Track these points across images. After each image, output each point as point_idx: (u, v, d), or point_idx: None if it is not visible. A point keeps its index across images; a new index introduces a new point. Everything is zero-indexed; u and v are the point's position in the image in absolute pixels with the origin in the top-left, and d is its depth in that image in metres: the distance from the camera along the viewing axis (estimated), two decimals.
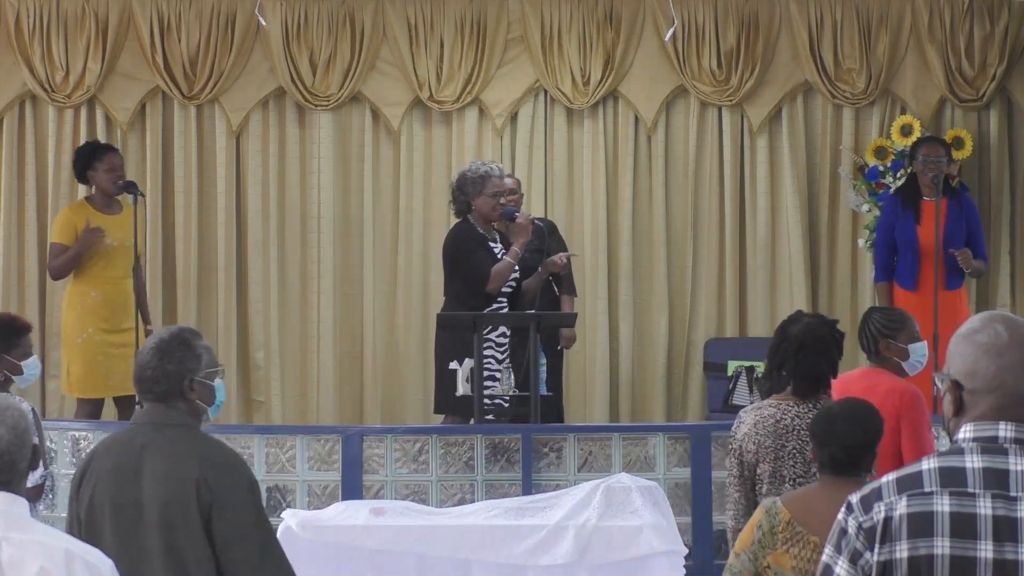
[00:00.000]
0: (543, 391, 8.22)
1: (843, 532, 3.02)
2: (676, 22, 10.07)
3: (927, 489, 2.97)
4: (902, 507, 2.97)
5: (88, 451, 5.28)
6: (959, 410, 3.06)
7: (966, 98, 10.17)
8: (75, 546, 3.29)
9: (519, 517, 6.94)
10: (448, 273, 8.57)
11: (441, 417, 8.59)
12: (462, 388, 7.97)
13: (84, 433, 7.64)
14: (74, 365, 9.06)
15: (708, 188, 10.27)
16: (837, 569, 3.01)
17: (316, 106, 10.15)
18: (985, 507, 2.95)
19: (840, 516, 3.04)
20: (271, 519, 7.34)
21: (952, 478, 2.97)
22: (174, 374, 4.40)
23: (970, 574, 2.93)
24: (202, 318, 10.13)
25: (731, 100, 10.20)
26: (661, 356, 10.20)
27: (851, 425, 4.87)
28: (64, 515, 5.06)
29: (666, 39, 10.11)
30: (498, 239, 8.55)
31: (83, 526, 4.36)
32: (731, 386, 9.66)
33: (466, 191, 8.45)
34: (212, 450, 4.39)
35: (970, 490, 2.96)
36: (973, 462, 2.98)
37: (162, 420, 4.40)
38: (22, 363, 6.48)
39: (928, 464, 3.01)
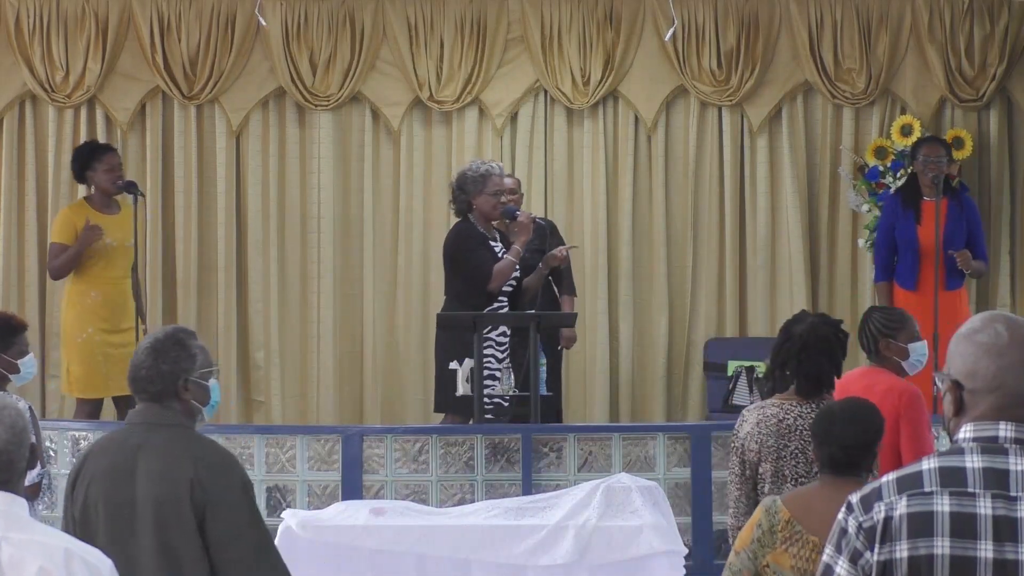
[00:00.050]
0: (543, 391, 8.23)
1: (843, 532, 3.02)
2: (676, 22, 10.07)
3: (927, 489, 2.97)
4: (902, 507, 2.97)
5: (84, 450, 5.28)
6: (959, 410, 3.06)
7: (966, 98, 10.17)
8: (75, 546, 3.29)
9: (519, 517, 6.94)
10: (449, 272, 8.57)
11: (441, 416, 8.59)
12: (462, 388, 7.97)
13: (84, 433, 7.63)
14: (74, 365, 9.06)
15: (708, 188, 10.27)
16: (838, 569, 3.01)
17: (316, 106, 10.15)
18: (985, 507, 2.95)
19: (840, 516, 3.04)
20: (271, 519, 7.39)
21: (952, 478, 2.97)
22: (169, 374, 4.40)
23: (970, 574, 2.93)
24: (202, 318, 10.14)
25: (731, 100, 10.20)
26: (661, 356, 10.20)
27: (850, 425, 4.87)
28: None
29: (666, 39, 10.11)
30: (498, 238, 8.55)
31: (78, 526, 4.36)
32: (731, 386, 9.66)
33: (467, 190, 8.45)
34: (206, 450, 4.39)
35: (970, 490, 2.96)
36: (973, 462, 2.98)
37: (156, 420, 4.40)
38: (19, 361, 6.49)
39: (928, 464, 3.00)
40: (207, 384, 4.46)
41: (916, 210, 9.26)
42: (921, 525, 2.95)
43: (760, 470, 5.54)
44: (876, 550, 2.97)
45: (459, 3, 10.15)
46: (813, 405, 5.49)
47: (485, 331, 8.16)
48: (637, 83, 10.23)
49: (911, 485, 2.98)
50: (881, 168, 9.98)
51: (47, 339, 9.98)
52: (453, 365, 8.06)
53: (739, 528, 5.26)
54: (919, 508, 2.96)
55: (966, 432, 3.03)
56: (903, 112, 10.20)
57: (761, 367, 9.15)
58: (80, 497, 4.40)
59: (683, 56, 10.15)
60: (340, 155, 10.25)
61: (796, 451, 5.48)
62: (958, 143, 9.90)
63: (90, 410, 9.02)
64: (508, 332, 8.34)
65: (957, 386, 3.06)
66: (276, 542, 6.79)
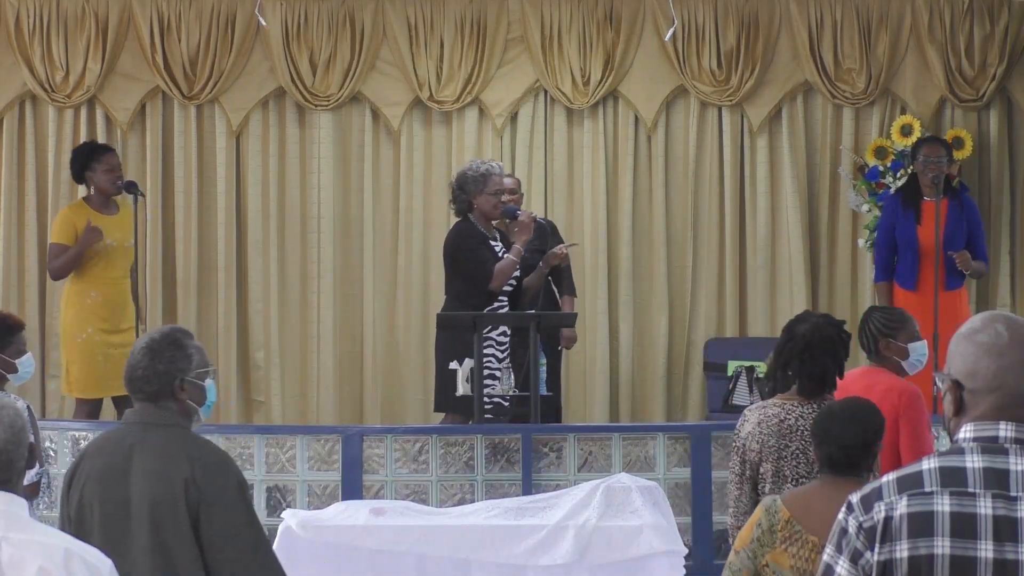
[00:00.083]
0: (543, 391, 8.23)
1: (844, 532, 3.02)
2: (676, 22, 10.06)
3: (927, 489, 2.97)
4: (902, 507, 2.97)
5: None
6: (959, 410, 3.06)
7: (966, 98, 10.17)
8: (74, 546, 3.28)
9: (519, 517, 6.94)
10: (449, 272, 8.57)
11: (441, 416, 8.59)
12: (462, 388, 7.97)
13: (84, 433, 7.63)
14: (73, 365, 9.06)
15: (708, 188, 10.27)
16: (838, 569, 3.01)
17: (316, 106, 10.15)
18: (985, 507, 2.95)
19: (840, 516, 3.04)
20: (271, 519, 7.40)
21: (952, 478, 2.97)
22: (165, 374, 4.40)
23: (970, 574, 2.93)
24: (202, 318, 10.14)
25: (731, 100, 10.20)
26: (661, 356, 10.20)
27: (850, 425, 4.87)
28: None
29: (666, 39, 10.11)
30: (498, 238, 8.55)
31: (73, 525, 4.36)
32: (731, 386, 9.66)
33: (467, 190, 8.45)
34: (201, 450, 4.39)
35: (970, 490, 2.96)
36: (973, 462, 2.98)
37: (152, 420, 4.40)
38: (16, 361, 6.49)
39: (928, 464, 3.00)
40: (203, 384, 4.46)
41: (916, 210, 9.26)
42: (921, 525, 2.95)
43: (761, 470, 5.54)
44: (876, 550, 2.97)
45: (459, 3, 10.15)
46: (815, 405, 5.48)
47: (485, 331, 8.16)
48: (637, 83, 10.23)
49: (911, 485, 2.98)
50: (881, 168, 9.98)
51: (47, 339, 9.99)
52: (453, 365, 8.06)
53: (739, 528, 5.26)
54: (919, 508, 2.96)
55: (966, 432, 3.03)
56: (903, 112, 10.20)
57: (761, 367, 9.15)
58: (76, 496, 4.40)
59: (683, 56, 10.15)
60: (340, 155, 10.25)
61: (797, 451, 5.48)
62: (958, 143, 9.90)
63: (90, 410, 9.02)
64: (508, 332, 8.35)
65: (957, 386, 3.06)
66: (276, 542, 6.84)
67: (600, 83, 10.16)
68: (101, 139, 9.97)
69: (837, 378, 5.60)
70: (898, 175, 9.87)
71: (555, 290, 9.18)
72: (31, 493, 6.37)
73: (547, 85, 10.21)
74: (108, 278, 9.05)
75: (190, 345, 4.47)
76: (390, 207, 10.27)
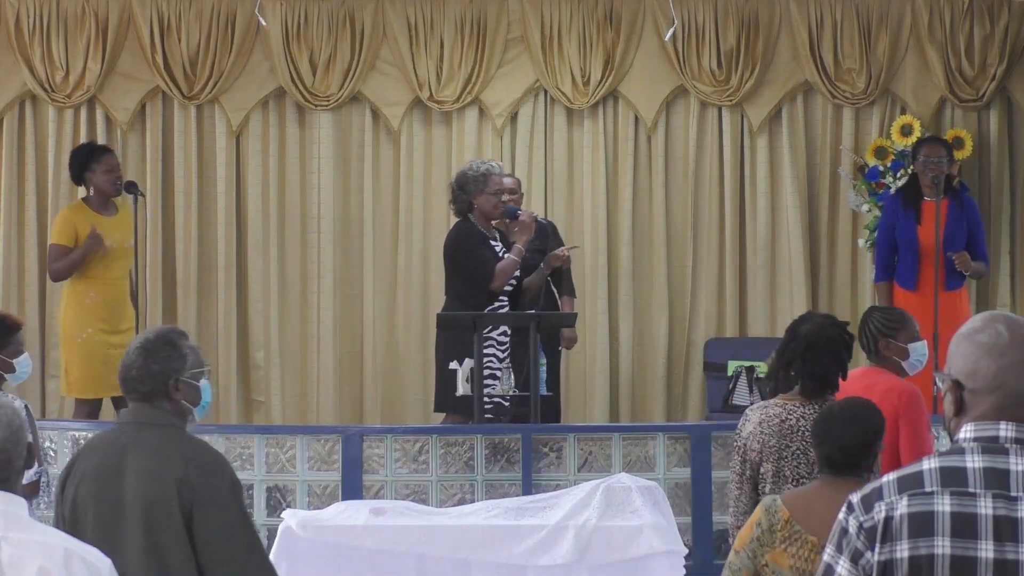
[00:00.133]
0: (543, 391, 8.22)
1: (844, 532, 3.02)
2: (676, 22, 10.06)
3: (928, 489, 2.97)
4: (903, 507, 2.96)
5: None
6: (960, 410, 3.06)
7: (966, 98, 10.17)
8: (74, 545, 3.28)
9: (519, 517, 6.93)
10: (449, 272, 8.57)
11: (442, 416, 8.59)
12: (462, 388, 7.97)
13: (84, 433, 7.63)
14: (73, 365, 9.06)
15: (708, 188, 10.27)
16: (839, 569, 3.01)
17: (316, 106, 10.15)
18: (986, 507, 2.94)
19: (841, 516, 3.04)
20: (271, 519, 7.40)
21: (953, 478, 2.97)
22: (159, 374, 4.40)
23: (971, 574, 2.93)
24: (202, 318, 10.14)
25: (731, 100, 10.20)
26: (661, 356, 10.20)
27: (849, 425, 4.87)
28: None
29: (666, 39, 10.11)
30: (498, 238, 8.55)
31: (67, 524, 4.36)
32: (731, 386, 9.66)
33: (468, 190, 8.45)
34: (195, 450, 4.39)
35: (971, 490, 2.96)
36: (974, 462, 2.98)
37: (146, 420, 4.40)
38: (14, 361, 6.49)
39: (929, 464, 3.00)
40: (198, 384, 4.47)
41: (916, 210, 9.26)
42: (922, 525, 2.95)
43: (761, 470, 5.54)
44: (877, 550, 2.97)
45: (459, 3, 10.15)
46: (816, 406, 5.48)
47: (486, 331, 8.16)
48: (637, 83, 10.22)
49: (912, 485, 2.98)
50: (881, 168, 9.97)
51: (47, 339, 9.98)
52: (453, 365, 8.05)
53: (739, 527, 5.26)
54: (920, 508, 2.96)
55: (967, 432, 3.03)
56: (903, 112, 10.19)
57: (762, 367, 9.15)
58: (70, 496, 4.41)
59: (683, 56, 10.15)
60: (340, 155, 10.25)
61: (798, 451, 5.47)
62: (958, 143, 9.89)
63: (89, 410, 9.01)
64: (509, 332, 8.35)
65: (958, 386, 3.06)
66: (276, 542, 6.84)
67: (600, 83, 10.16)
68: (101, 139, 9.97)
69: (840, 379, 5.60)
70: (898, 175, 9.86)
71: (554, 290, 9.18)
72: (30, 492, 6.37)
73: (547, 85, 10.20)
74: (107, 279, 9.06)
75: (184, 345, 4.47)
76: (390, 207, 10.26)
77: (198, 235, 10.16)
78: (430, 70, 10.13)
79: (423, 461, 7.60)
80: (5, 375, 6.49)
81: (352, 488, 7.53)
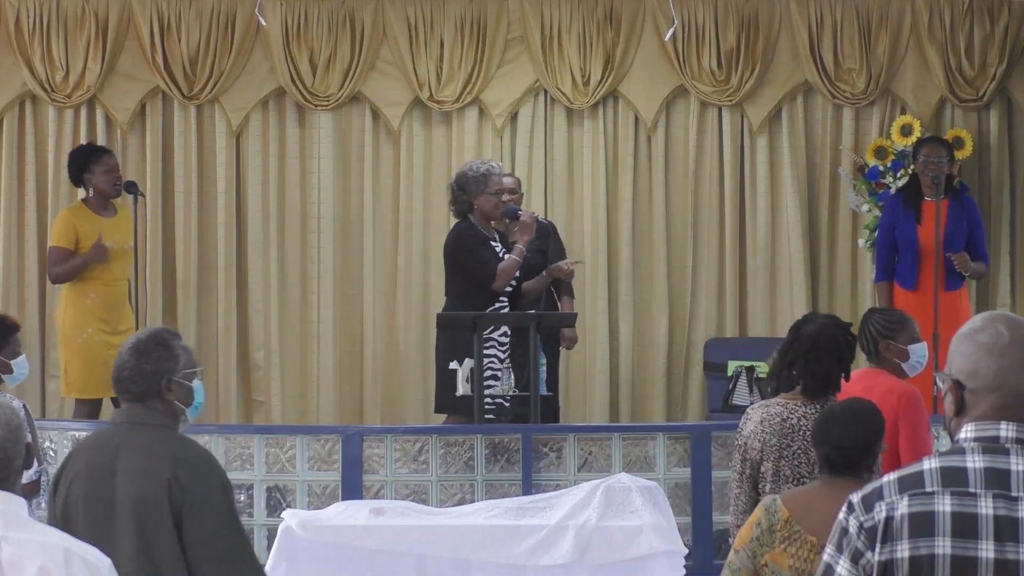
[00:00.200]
0: (543, 391, 8.22)
1: (844, 531, 3.02)
2: (676, 22, 10.06)
3: (928, 489, 2.97)
4: (903, 507, 2.96)
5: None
6: (960, 410, 3.06)
7: (966, 98, 10.17)
8: (74, 545, 3.28)
9: (519, 517, 6.93)
10: (449, 272, 8.57)
11: (442, 416, 8.59)
12: (462, 388, 7.97)
13: (83, 433, 7.62)
14: (72, 366, 9.05)
15: (708, 188, 10.26)
16: (839, 569, 3.01)
17: (316, 106, 10.15)
18: (986, 507, 2.94)
19: (841, 515, 3.04)
20: (271, 519, 7.40)
21: (953, 478, 2.97)
22: (151, 374, 4.40)
23: (971, 574, 2.93)
24: (202, 318, 10.14)
25: (731, 100, 10.20)
26: (661, 356, 10.20)
27: (848, 425, 4.87)
28: None
29: (666, 39, 10.11)
30: (498, 238, 8.55)
31: (59, 524, 4.36)
32: (731, 386, 9.65)
33: (468, 190, 8.44)
34: (187, 451, 4.40)
35: (971, 490, 2.95)
36: (974, 462, 2.98)
37: (139, 420, 4.41)
38: (12, 362, 6.49)
39: (929, 464, 3.00)
40: (190, 385, 4.47)
41: (917, 210, 9.26)
42: (922, 525, 2.95)
43: (762, 469, 5.54)
44: (877, 550, 2.97)
45: (459, 3, 10.15)
46: (818, 406, 5.48)
47: (487, 331, 8.16)
48: (637, 83, 10.22)
49: (912, 485, 2.98)
50: (881, 168, 9.97)
51: (47, 339, 9.98)
52: (453, 365, 8.05)
53: (739, 526, 5.26)
54: (920, 508, 2.96)
55: (967, 432, 3.03)
56: (903, 112, 10.19)
57: (762, 367, 9.15)
58: (62, 495, 4.42)
59: (683, 56, 10.15)
60: (340, 155, 10.25)
61: (799, 451, 5.47)
62: (958, 143, 9.89)
63: (89, 410, 9.01)
64: (509, 332, 8.34)
65: (958, 386, 3.05)
66: (276, 542, 6.84)
67: (600, 83, 10.16)
68: (101, 139, 9.97)
69: (843, 380, 5.60)
70: (898, 175, 9.86)
71: (554, 291, 9.18)
72: (30, 492, 6.37)
73: (547, 85, 10.20)
74: (107, 279, 9.06)
75: (177, 346, 4.48)
76: (390, 207, 10.26)
77: (198, 235, 10.15)
78: (430, 70, 10.13)
79: (423, 461, 7.60)
80: (3, 376, 6.49)
81: (352, 488, 7.53)
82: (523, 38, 10.23)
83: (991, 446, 2.99)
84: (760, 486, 5.55)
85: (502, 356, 8.29)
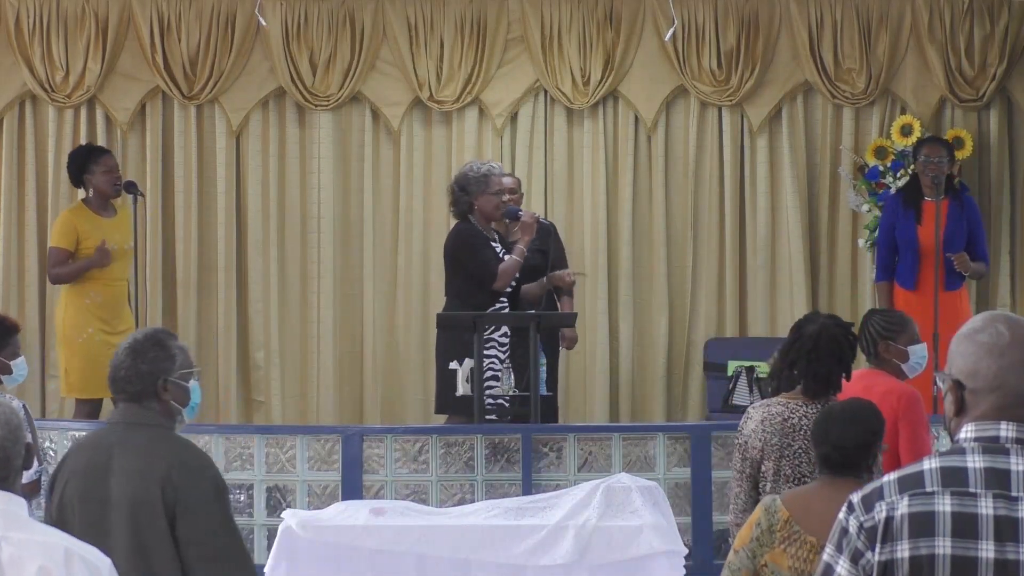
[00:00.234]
0: (543, 391, 8.22)
1: (844, 531, 3.02)
2: (676, 22, 10.06)
3: (928, 489, 2.97)
4: (903, 507, 2.96)
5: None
6: (960, 410, 3.06)
7: (966, 98, 10.17)
8: (74, 545, 3.28)
9: (519, 517, 6.93)
10: (450, 272, 8.57)
11: (443, 417, 8.58)
12: (462, 388, 7.96)
13: (84, 433, 7.62)
14: (73, 366, 9.05)
15: (708, 188, 10.26)
16: (838, 568, 3.01)
17: (316, 106, 10.15)
18: (986, 507, 2.94)
19: (841, 515, 3.03)
20: (271, 519, 7.39)
21: (953, 478, 2.97)
22: (148, 374, 4.41)
23: (971, 574, 2.93)
24: (202, 318, 10.14)
25: (731, 100, 10.19)
26: (661, 356, 10.20)
27: (847, 425, 4.87)
28: None
29: (666, 39, 10.11)
30: (497, 239, 8.55)
31: (55, 523, 4.37)
32: (731, 386, 9.65)
33: (470, 191, 8.44)
34: (181, 451, 4.40)
35: (971, 490, 2.95)
36: (975, 462, 2.98)
37: (134, 420, 4.42)
38: (11, 363, 6.49)
39: (930, 464, 3.00)
40: (187, 385, 4.48)
41: (917, 210, 9.27)
42: (922, 525, 2.95)
43: (762, 468, 5.54)
44: (877, 550, 2.97)
45: (459, 3, 10.15)
46: (819, 405, 5.48)
47: (488, 332, 8.15)
48: (637, 83, 10.22)
49: (912, 485, 2.98)
50: (881, 168, 9.97)
51: (47, 339, 9.98)
52: (453, 365, 8.05)
53: (739, 525, 5.26)
54: (920, 508, 2.96)
55: (967, 432, 3.03)
56: (903, 112, 10.19)
57: (762, 367, 9.15)
58: (58, 495, 4.44)
59: (683, 56, 10.15)
60: (340, 155, 10.25)
61: (799, 451, 5.47)
62: (958, 143, 9.89)
63: (89, 410, 9.01)
64: (509, 332, 8.34)
65: (958, 386, 3.05)
66: (276, 542, 6.84)
67: (600, 83, 10.16)
68: (101, 139, 9.97)
69: (844, 380, 5.60)
70: (898, 175, 9.86)
71: (554, 292, 9.18)
72: (30, 492, 6.37)
73: (547, 85, 10.20)
74: (107, 279, 9.07)
75: (173, 346, 4.48)
76: (390, 207, 10.26)
77: (198, 235, 10.15)
78: (430, 70, 10.13)
79: (423, 461, 7.60)
80: (2, 377, 6.50)
81: (352, 488, 7.53)
82: (523, 38, 10.22)
83: (991, 446, 2.99)
84: (761, 485, 5.55)
85: (502, 356, 8.28)
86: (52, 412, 9.86)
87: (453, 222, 8.71)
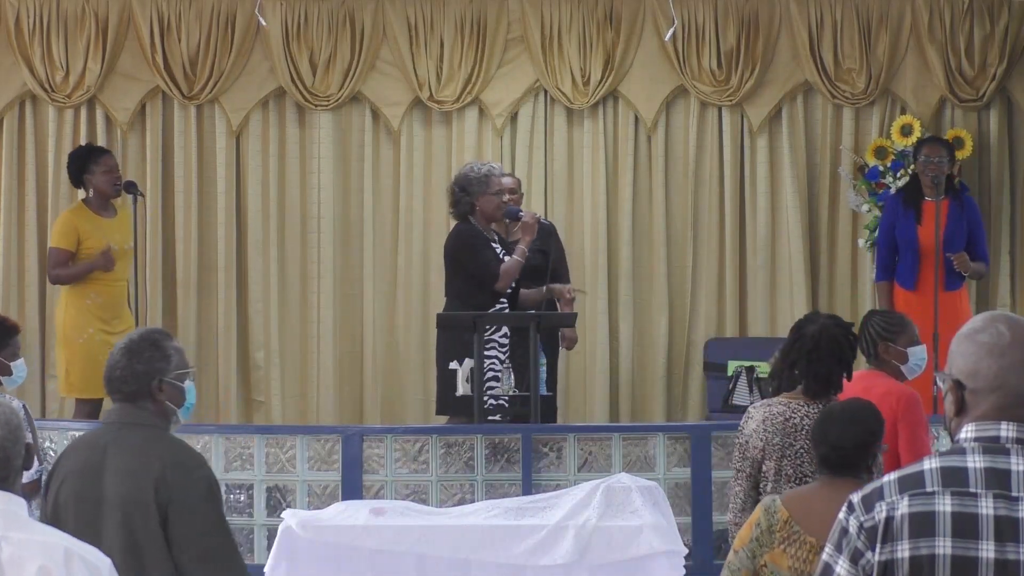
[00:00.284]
0: (543, 391, 8.22)
1: (844, 531, 3.02)
2: (676, 22, 10.06)
3: (929, 489, 2.97)
4: (904, 507, 2.96)
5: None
6: (961, 410, 3.06)
7: (966, 98, 10.17)
8: (74, 545, 3.28)
9: (519, 517, 6.93)
10: (450, 272, 8.56)
11: (444, 418, 8.58)
12: (462, 388, 7.96)
13: (83, 433, 7.62)
14: (73, 366, 9.05)
15: (708, 188, 10.26)
16: (838, 568, 3.01)
17: (316, 106, 10.15)
18: (987, 507, 2.94)
19: (841, 515, 3.03)
20: (271, 519, 7.39)
21: (954, 478, 2.96)
22: (143, 374, 4.42)
23: (972, 574, 2.93)
24: (202, 318, 10.14)
25: (731, 100, 10.20)
26: (661, 356, 10.20)
27: (846, 426, 4.87)
28: None
29: (666, 39, 10.11)
30: (497, 240, 8.55)
31: (50, 522, 4.37)
32: (731, 386, 9.65)
33: (471, 191, 8.44)
34: (174, 451, 4.41)
35: (972, 490, 2.95)
36: (975, 462, 2.98)
37: (129, 420, 4.43)
38: (11, 364, 6.49)
39: (930, 464, 3.00)
40: (182, 386, 4.48)
41: (917, 210, 9.27)
42: (922, 525, 2.95)
43: (763, 468, 5.54)
44: (877, 550, 2.97)
45: (459, 3, 10.15)
46: (820, 405, 5.48)
47: (488, 332, 8.15)
48: (637, 83, 10.22)
49: (913, 485, 2.98)
50: (881, 168, 9.97)
51: (47, 339, 9.98)
52: (453, 365, 8.05)
53: (739, 524, 5.26)
54: (921, 508, 2.95)
55: (968, 432, 3.03)
56: (903, 112, 10.19)
57: (762, 367, 9.15)
58: (53, 494, 4.45)
59: (683, 56, 10.15)
60: (340, 155, 10.25)
61: (800, 450, 5.47)
62: (958, 143, 9.89)
63: (89, 410, 9.01)
64: (509, 332, 8.34)
65: (958, 386, 3.05)
66: (276, 542, 6.84)
67: (600, 83, 10.16)
68: (101, 139, 9.97)
69: (845, 380, 5.60)
70: (898, 175, 9.86)
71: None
72: (30, 492, 6.37)
73: (547, 85, 10.20)
74: (108, 279, 9.07)
75: (169, 346, 4.49)
76: (390, 207, 10.26)
77: (198, 235, 10.15)
78: (430, 70, 10.13)
79: (423, 461, 7.60)
80: (2, 378, 6.50)
81: (352, 488, 7.53)
82: (523, 38, 10.23)
83: (991, 446, 2.99)
84: (762, 485, 5.55)
85: (502, 357, 8.28)
86: (52, 412, 9.86)
87: (453, 222, 8.71)
